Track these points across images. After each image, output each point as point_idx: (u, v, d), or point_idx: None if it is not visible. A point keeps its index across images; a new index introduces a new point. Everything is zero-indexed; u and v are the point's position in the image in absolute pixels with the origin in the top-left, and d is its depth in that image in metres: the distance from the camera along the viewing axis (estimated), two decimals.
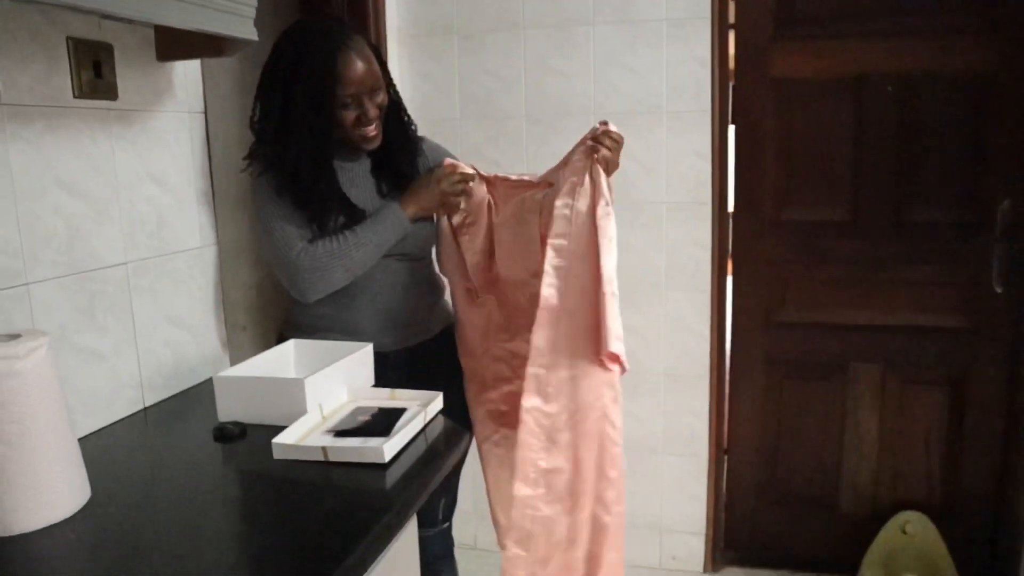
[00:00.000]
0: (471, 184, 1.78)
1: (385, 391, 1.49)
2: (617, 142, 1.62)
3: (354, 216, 1.65)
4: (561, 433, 1.53)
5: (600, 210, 1.54)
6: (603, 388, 1.53)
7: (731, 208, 2.63)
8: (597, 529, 1.57)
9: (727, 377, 2.72)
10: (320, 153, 1.61)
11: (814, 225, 2.57)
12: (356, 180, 1.71)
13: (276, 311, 2.47)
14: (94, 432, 1.43)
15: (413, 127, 1.81)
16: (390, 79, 1.71)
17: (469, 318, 1.87)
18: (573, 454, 1.54)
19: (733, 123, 2.58)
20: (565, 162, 1.65)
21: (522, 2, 2.54)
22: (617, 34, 2.49)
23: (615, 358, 1.49)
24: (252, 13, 1.36)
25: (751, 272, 2.65)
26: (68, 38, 1.35)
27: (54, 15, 1.32)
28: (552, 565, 1.58)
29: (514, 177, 1.81)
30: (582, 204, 1.55)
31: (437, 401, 1.44)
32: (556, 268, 1.54)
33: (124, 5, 1.11)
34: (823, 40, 2.47)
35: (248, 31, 1.35)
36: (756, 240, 2.61)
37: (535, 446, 1.53)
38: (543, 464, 1.54)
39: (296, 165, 1.59)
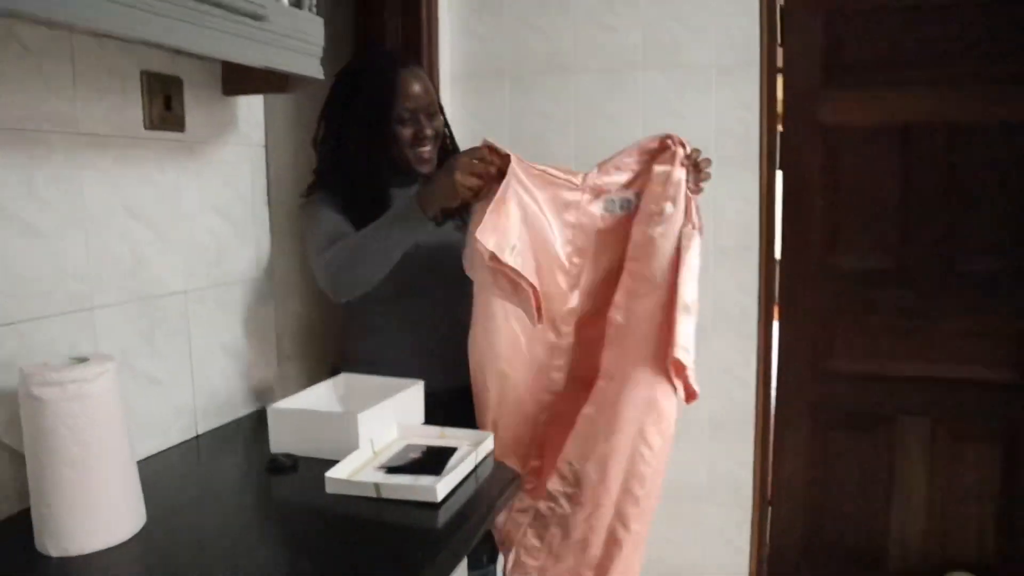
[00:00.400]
0: (491, 169, 1.48)
1: (435, 429, 1.48)
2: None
3: None
4: (598, 443, 1.55)
5: (684, 237, 1.54)
6: (646, 408, 1.53)
7: (778, 254, 2.61)
8: (611, 542, 1.58)
9: (772, 426, 2.67)
10: (376, 169, 1.64)
11: (862, 273, 2.53)
12: None
13: (322, 342, 2.49)
14: (148, 457, 1.43)
15: None
16: (443, 113, 1.75)
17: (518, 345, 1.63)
18: (603, 464, 1.56)
19: (781, 169, 2.57)
20: (637, 175, 1.61)
21: (573, 46, 2.57)
22: (666, 79, 2.50)
23: (680, 369, 1.48)
24: (319, 52, 1.39)
25: (798, 320, 2.60)
26: (143, 72, 1.39)
27: (131, 49, 1.36)
28: (562, 565, 1.61)
29: (552, 171, 1.58)
30: (670, 229, 1.54)
31: (488, 441, 1.43)
32: (629, 291, 1.53)
33: (200, 43, 1.14)
34: (872, 88, 2.46)
35: (314, 69, 1.39)
36: (803, 287, 2.58)
37: (572, 449, 1.57)
38: (575, 465, 1.57)
39: (352, 180, 1.63)
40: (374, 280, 1.55)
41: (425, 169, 1.69)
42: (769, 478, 2.68)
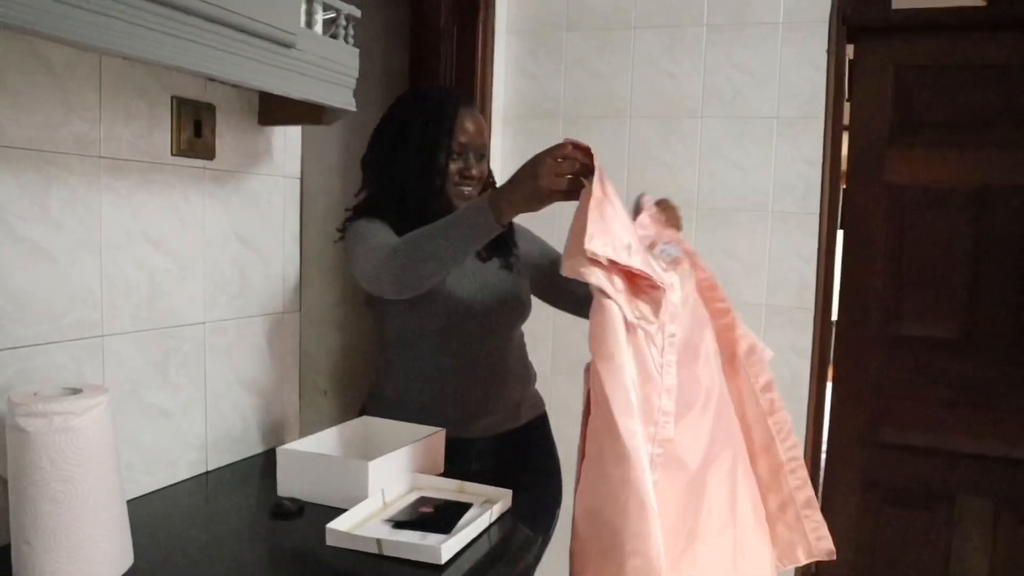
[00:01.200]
0: (584, 181, 1.24)
1: (453, 483, 1.40)
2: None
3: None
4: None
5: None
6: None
7: (835, 316, 2.48)
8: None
9: (820, 497, 2.52)
10: (423, 196, 1.60)
11: (924, 341, 2.40)
12: None
13: (358, 379, 2.45)
14: (154, 492, 1.38)
15: None
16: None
17: None
18: None
19: (842, 228, 2.46)
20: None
21: (630, 90, 2.51)
22: (725, 128, 2.43)
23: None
24: (352, 83, 1.35)
25: (853, 386, 2.48)
26: (173, 97, 1.36)
27: (162, 74, 1.34)
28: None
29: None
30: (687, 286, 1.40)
31: (505, 499, 1.34)
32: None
33: (227, 70, 1.11)
34: (942, 147, 2.36)
35: (346, 100, 1.34)
36: (860, 352, 2.45)
37: None
38: None
39: (397, 204, 1.60)
40: (435, 279, 1.40)
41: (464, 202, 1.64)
42: None
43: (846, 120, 2.42)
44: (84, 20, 0.91)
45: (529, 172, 1.28)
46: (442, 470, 1.50)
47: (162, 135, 1.36)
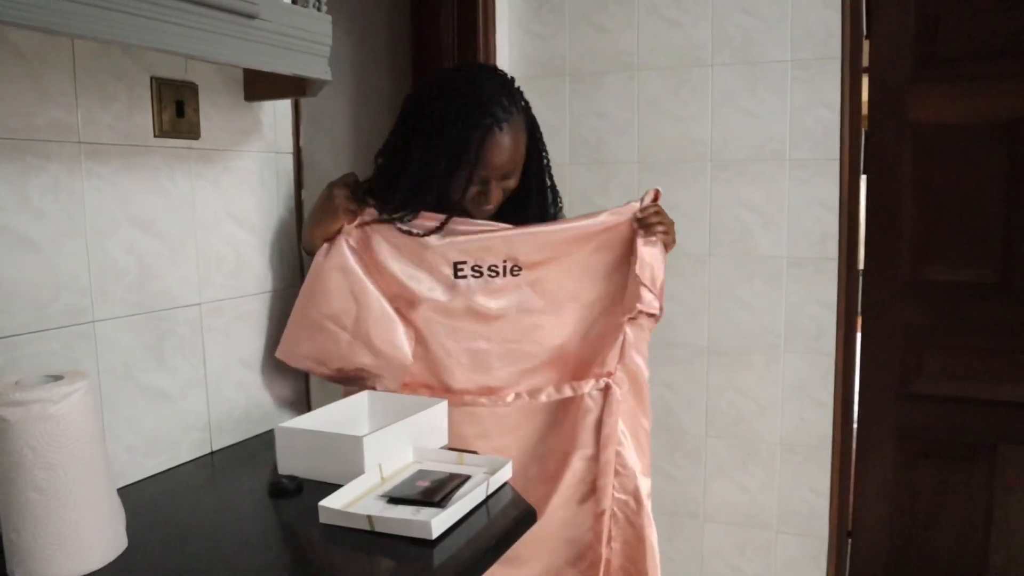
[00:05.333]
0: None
1: (453, 454, 1.38)
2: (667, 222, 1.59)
3: None
4: None
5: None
6: None
7: (861, 266, 2.40)
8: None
9: (853, 451, 2.46)
10: (429, 198, 1.54)
11: (957, 286, 2.30)
12: None
13: None
14: (157, 474, 1.39)
15: (555, 210, 1.73)
16: (542, 157, 1.66)
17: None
18: None
19: (865, 173, 2.36)
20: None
21: (636, 43, 2.43)
22: (737, 76, 2.34)
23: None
24: (326, 52, 1.31)
25: (883, 337, 2.39)
26: (152, 77, 1.35)
27: (139, 55, 1.32)
28: None
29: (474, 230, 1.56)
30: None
31: (505, 469, 1.32)
32: None
33: (181, 44, 1.08)
34: (970, 81, 2.23)
35: (320, 70, 1.31)
36: (890, 301, 2.37)
37: None
38: None
39: (401, 209, 1.53)
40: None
41: (483, 217, 1.59)
42: (850, 508, 2.47)
43: (865, 60, 2.31)
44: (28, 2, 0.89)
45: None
46: (446, 442, 1.49)
47: (143, 117, 1.34)
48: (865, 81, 2.31)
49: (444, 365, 1.61)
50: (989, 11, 2.18)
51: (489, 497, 1.26)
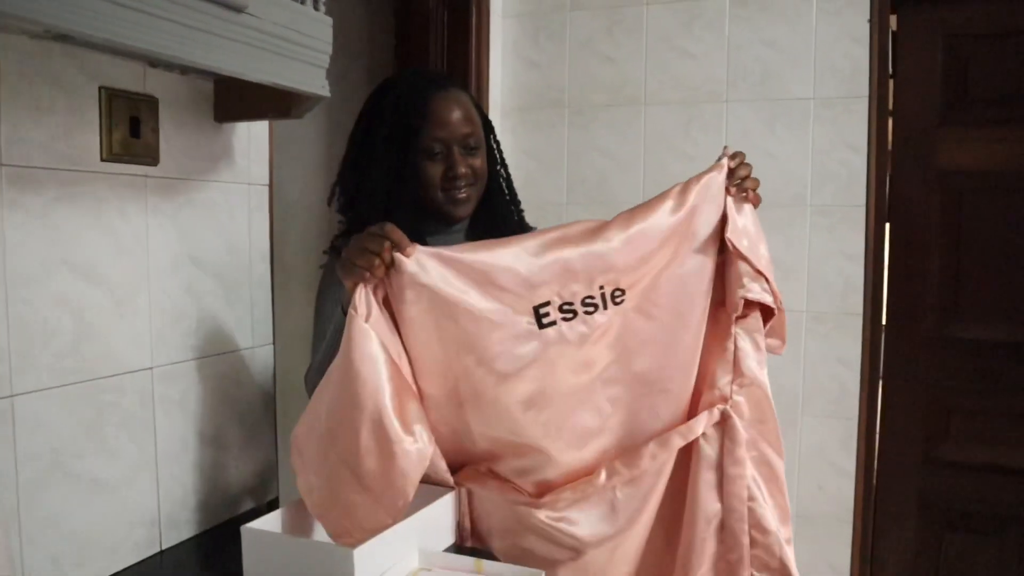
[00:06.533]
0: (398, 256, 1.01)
1: (468, 560, 1.12)
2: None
3: None
4: None
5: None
6: None
7: (883, 321, 2.22)
8: None
9: (872, 522, 2.26)
10: (400, 216, 1.22)
11: (987, 344, 2.15)
12: None
13: None
14: None
15: (521, 212, 1.48)
16: (497, 153, 1.41)
17: None
18: None
19: (888, 220, 2.19)
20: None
21: (644, 75, 2.25)
22: (754, 113, 2.17)
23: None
24: (325, 61, 1.06)
25: (906, 397, 2.23)
26: (101, 88, 1.08)
27: (86, 59, 1.06)
28: None
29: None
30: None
31: None
32: None
33: (154, 40, 0.82)
34: (1001, 125, 2.10)
35: (318, 83, 1.06)
36: (913, 360, 2.20)
37: None
38: None
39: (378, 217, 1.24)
40: None
41: (461, 212, 1.33)
42: None
43: (892, 102, 2.15)
44: None
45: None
46: (452, 540, 1.22)
47: (88, 136, 1.08)
48: (889, 123, 2.15)
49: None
50: (1021, 52, 2.05)
51: None
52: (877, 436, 2.26)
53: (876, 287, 2.16)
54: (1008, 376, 2.13)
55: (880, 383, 2.23)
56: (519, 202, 1.48)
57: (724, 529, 1.19)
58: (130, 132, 1.12)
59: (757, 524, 1.19)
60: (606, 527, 1.18)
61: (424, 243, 1.27)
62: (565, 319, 1.10)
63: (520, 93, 2.37)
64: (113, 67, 1.10)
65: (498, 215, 1.41)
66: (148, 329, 1.18)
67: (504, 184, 1.45)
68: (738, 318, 1.21)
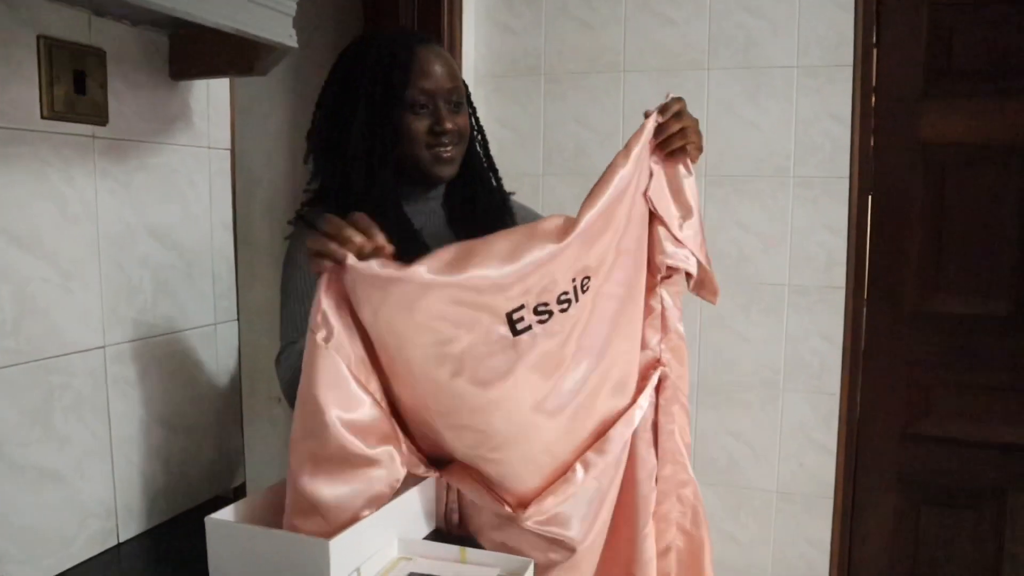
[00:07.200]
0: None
1: (454, 548, 1.05)
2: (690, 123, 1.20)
3: None
4: None
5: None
6: None
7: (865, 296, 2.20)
8: None
9: (852, 498, 2.25)
10: (382, 176, 1.19)
11: (967, 319, 2.14)
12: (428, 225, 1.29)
13: None
14: None
15: (499, 179, 1.40)
16: (474, 118, 1.33)
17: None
18: None
19: (870, 193, 2.16)
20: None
21: (623, 41, 2.18)
22: (736, 81, 2.12)
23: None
24: (292, 8, 0.97)
25: (885, 374, 2.21)
26: (40, 37, 0.98)
27: (21, 4, 0.95)
28: None
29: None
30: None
31: (528, 572, 0.99)
32: None
33: None
34: (986, 98, 2.07)
35: (284, 33, 0.97)
36: (893, 335, 2.18)
37: None
38: None
39: (353, 192, 1.17)
40: None
41: (446, 172, 1.25)
42: (849, 562, 2.28)
43: (874, 73, 2.11)
44: None
45: None
46: (434, 526, 1.15)
47: (25, 91, 0.98)
48: (873, 96, 2.12)
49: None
50: (1006, 24, 2.04)
51: None
52: (859, 411, 2.25)
53: (859, 261, 2.13)
54: (987, 350, 2.13)
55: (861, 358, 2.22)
56: (496, 169, 1.41)
57: (659, 481, 1.23)
58: (75, 88, 1.02)
59: (684, 470, 1.26)
60: (592, 519, 1.17)
61: (404, 214, 1.20)
62: (541, 322, 1.01)
63: (494, 60, 2.29)
64: (53, 14, 1.00)
65: (476, 181, 1.33)
66: (99, 305, 1.08)
67: (481, 150, 1.37)
68: (663, 278, 1.21)
